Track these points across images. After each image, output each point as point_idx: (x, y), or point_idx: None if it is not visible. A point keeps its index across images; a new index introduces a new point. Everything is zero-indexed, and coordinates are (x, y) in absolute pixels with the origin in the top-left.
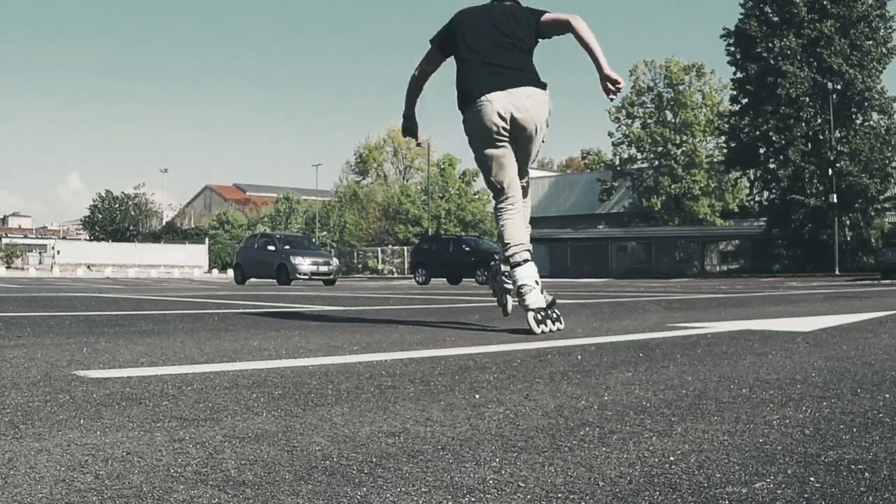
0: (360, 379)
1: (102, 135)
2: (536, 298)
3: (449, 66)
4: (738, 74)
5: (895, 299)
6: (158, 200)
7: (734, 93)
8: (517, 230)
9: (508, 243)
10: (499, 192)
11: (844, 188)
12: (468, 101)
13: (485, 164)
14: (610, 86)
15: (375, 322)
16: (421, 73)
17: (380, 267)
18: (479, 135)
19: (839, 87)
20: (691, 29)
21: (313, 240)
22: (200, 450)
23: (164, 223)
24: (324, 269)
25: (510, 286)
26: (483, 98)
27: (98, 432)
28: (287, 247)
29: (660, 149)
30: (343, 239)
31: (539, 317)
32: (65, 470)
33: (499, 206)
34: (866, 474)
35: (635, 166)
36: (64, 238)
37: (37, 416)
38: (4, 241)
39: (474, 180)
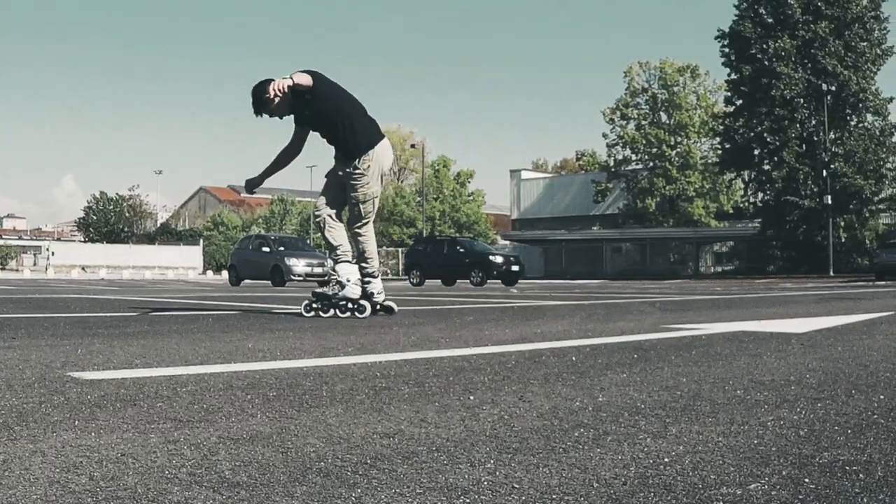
0: (355, 380)
1: (97, 136)
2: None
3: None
4: (733, 76)
5: (890, 300)
6: (153, 202)
7: (729, 94)
8: (375, 247)
9: (372, 258)
10: (371, 218)
11: (839, 189)
12: (376, 141)
13: (378, 195)
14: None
15: (370, 323)
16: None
17: None
18: (384, 170)
19: (833, 88)
20: (686, 30)
21: (308, 241)
22: (195, 451)
23: (158, 225)
24: (318, 270)
25: (357, 291)
26: (385, 141)
27: (93, 434)
28: (281, 248)
29: (654, 150)
30: None
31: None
32: (59, 471)
33: (365, 227)
34: (861, 475)
35: (630, 167)
36: (58, 239)
37: (31, 418)
38: None
39: (469, 181)
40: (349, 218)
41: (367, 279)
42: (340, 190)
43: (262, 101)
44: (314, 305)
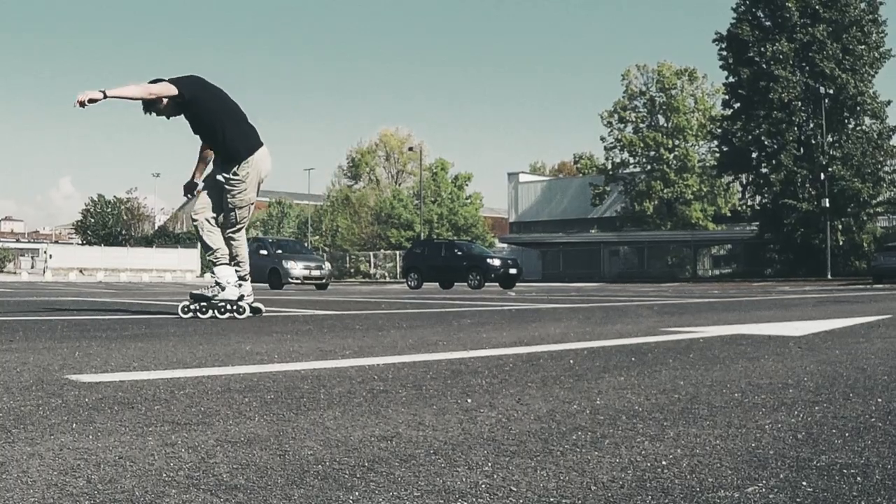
0: (353, 383)
1: (94, 139)
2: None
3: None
4: (731, 79)
5: (887, 304)
6: (150, 204)
7: (726, 97)
8: (247, 251)
9: (244, 262)
10: (245, 223)
11: (836, 193)
12: (255, 148)
13: (254, 202)
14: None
15: (367, 326)
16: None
17: (372, 271)
18: (261, 178)
19: (831, 91)
20: (683, 33)
21: (305, 244)
22: (193, 454)
23: (156, 227)
24: (316, 273)
25: (235, 293)
26: (264, 149)
27: (90, 437)
28: (279, 251)
29: (652, 153)
30: (335, 243)
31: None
32: (57, 474)
33: (238, 232)
34: (858, 479)
35: (627, 171)
36: (56, 242)
37: (29, 421)
38: None
39: (466, 184)
40: (224, 223)
41: (238, 282)
42: (219, 194)
43: (149, 101)
44: (192, 307)
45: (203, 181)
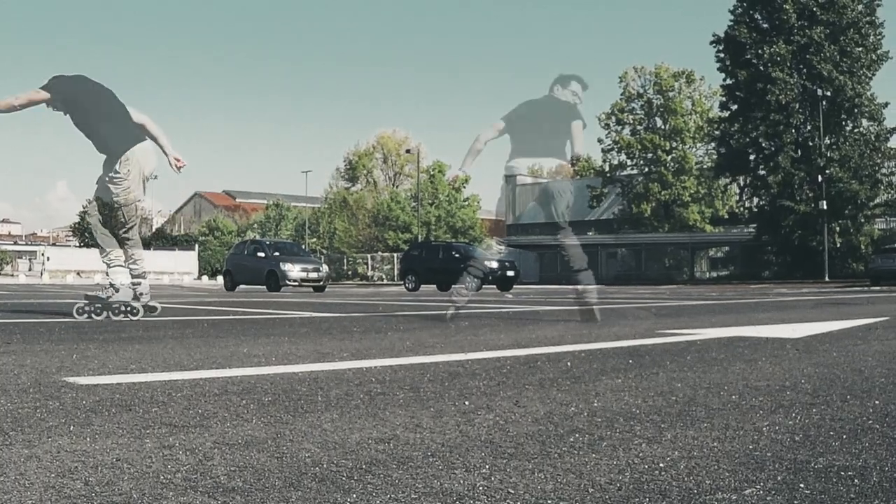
0: (350, 385)
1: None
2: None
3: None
4: (728, 81)
5: (885, 306)
6: (148, 207)
7: (724, 99)
8: (142, 249)
9: (141, 260)
10: (135, 222)
11: (834, 195)
12: (135, 145)
13: (140, 199)
14: (176, 163)
15: (365, 328)
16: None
17: (369, 273)
18: (146, 175)
19: (829, 93)
20: (681, 35)
21: (303, 246)
22: (190, 456)
23: (153, 230)
24: (313, 275)
25: (129, 294)
26: (145, 145)
27: (88, 439)
28: (277, 253)
29: (650, 155)
30: (333, 245)
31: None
32: (54, 476)
33: (131, 231)
34: (856, 481)
35: (625, 173)
36: (53, 244)
37: (26, 423)
38: None
39: (464, 187)
40: (114, 223)
41: (136, 280)
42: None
43: (48, 101)
44: (86, 308)
45: (96, 182)
